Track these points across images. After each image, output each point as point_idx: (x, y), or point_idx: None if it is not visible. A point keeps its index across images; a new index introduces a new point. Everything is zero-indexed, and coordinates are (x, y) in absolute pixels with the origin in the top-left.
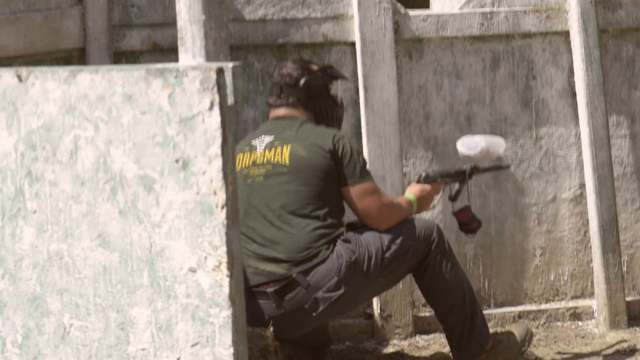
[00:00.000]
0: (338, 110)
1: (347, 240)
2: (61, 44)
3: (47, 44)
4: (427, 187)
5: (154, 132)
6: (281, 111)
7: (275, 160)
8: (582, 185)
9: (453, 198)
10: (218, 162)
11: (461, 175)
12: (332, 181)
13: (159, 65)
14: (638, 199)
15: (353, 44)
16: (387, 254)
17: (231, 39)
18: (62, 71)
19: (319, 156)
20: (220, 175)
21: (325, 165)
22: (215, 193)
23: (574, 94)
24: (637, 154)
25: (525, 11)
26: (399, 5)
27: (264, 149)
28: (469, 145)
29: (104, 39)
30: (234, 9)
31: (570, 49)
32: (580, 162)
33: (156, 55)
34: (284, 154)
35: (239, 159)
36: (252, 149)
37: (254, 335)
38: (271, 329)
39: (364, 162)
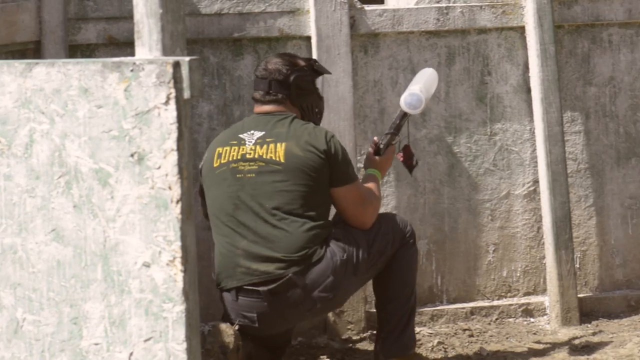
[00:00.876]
0: (322, 105)
1: (337, 239)
2: (17, 37)
3: (3, 37)
4: (383, 157)
5: (109, 126)
6: (269, 107)
7: (269, 156)
8: (536, 182)
9: (403, 150)
10: (173, 157)
11: (401, 127)
12: (324, 181)
13: (116, 59)
14: (591, 196)
15: (309, 39)
16: (373, 249)
17: (187, 33)
18: (18, 64)
19: (314, 155)
20: (176, 170)
21: (319, 165)
22: (170, 188)
23: (528, 90)
24: (591, 151)
25: (481, 6)
26: (355, 0)
27: (254, 144)
28: (415, 105)
29: (60, 32)
30: (189, 2)
31: (526, 44)
32: (534, 158)
33: (112, 49)
34: (278, 152)
35: (225, 151)
36: (241, 142)
37: (217, 331)
38: (236, 326)
39: (351, 163)
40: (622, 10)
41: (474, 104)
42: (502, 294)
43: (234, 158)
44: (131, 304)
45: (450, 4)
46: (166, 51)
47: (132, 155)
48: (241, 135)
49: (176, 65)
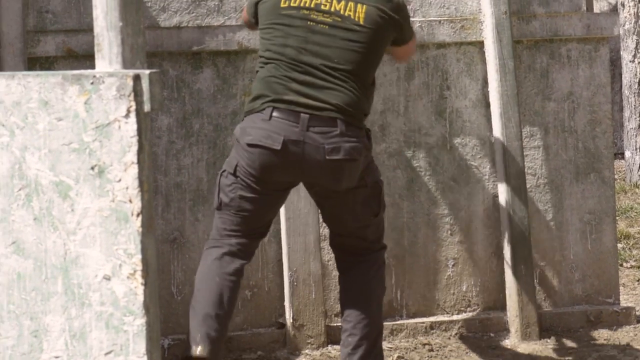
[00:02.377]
0: None
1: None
2: None
3: None
4: None
5: (69, 138)
6: None
7: (347, 14)
8: (495, 197)
9: None
10: (134, 170)
11: None
12: (388, 44)
13: (76, 72)
14: (551, 211)
15: None
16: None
17: (146, 46)
18: None
19: (390, 23)
20: (136, 183)
21: (392, 32)
22: (130, 201)
23: (488, 105)
24: (550, 166)
25: (440, 21)
26: None
27: None
28: None
29: (18, 44)
30: (149, 15)
31: (485, 59)
32: (493, 173)
33: (71, 62)
34: (359, 13)
35: None
36: None
37: (180, 346)
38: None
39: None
40: (580, 25)
41: (433, 119)
42: (462, 308)
43: (306, 5)
44: (92, 317)
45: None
46: (126, 64)
47: (92, 168)
48: None
49: (136, 78)
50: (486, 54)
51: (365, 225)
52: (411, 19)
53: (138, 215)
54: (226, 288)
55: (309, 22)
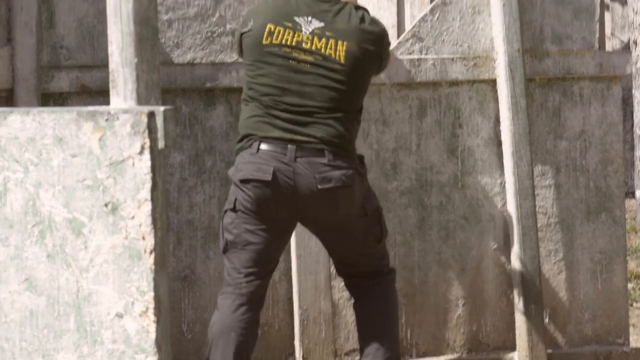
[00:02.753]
0: None
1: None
2: None
3: None
4: None
5: (83, 175)
6: None
7: (328, 52)
8: (506, 236)
9: None
10: (147, 207)
11: None
12: (373, 74)
13: (90, 108)
14: (561, 250)
15: None
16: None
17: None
18: None
19: (372, 60)
20: (149, 220)
21: (375, 63)
22: (143, 238)
23: (499, 143)
24: (562, 205)
25: (453, 59)
26: None
27: (310, 33)
28: None
29: (32, 80)
30: (162, 52)
31: (497, 97)
32: (504, 212)
33: (84, 98)
34: (339, 51)
35: (278, 31)
36: (296, 27)
37: None
38: None
39: None
40: (593, 64)
41: (445, 157)
42: (472, 348)
43: (288, 43)
44: (104, 355)
45: (422, 56)
46: (141, 100)
47: (106, 205)
48: (296, 19)
49: (151, 115)
50: (498, 92)
51: (370, 252)
52: (424, 56)
53: (151, 252)
54: (244, 344)
55: (290, 61)
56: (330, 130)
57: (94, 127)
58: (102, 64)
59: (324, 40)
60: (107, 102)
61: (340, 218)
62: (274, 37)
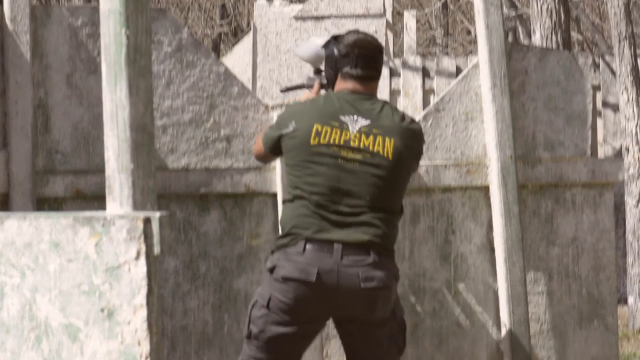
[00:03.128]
0: None
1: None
2: None
3: None
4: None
5: (80, 280)
6: (369, 86)
7: (376, 150)
8: (499, 342)
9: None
10: (143, 312)
11: (312, 80)
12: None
13: (87, 213)
14: (554, 357)
15: (275, 195)
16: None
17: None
18: None
19: (415, 155)
20: (145, 326)
21: (414, 166)
22: (139, 343)
23: (492, 249)
24: (554, 312)
25: (446, 165)
26: None
27: (358, 131)
28: (309, 48)
29: (28, 184)
30: (157, 157)
31: (490, 203)
32: (497, 319)
33: (79, 202)
34: (387, 147)
35: (326, 131)
36: (343, 126)
37: None
38: None
39: None
40: (585, 170)
41: (438, 263)
42: None
43: (336, 142)
44: None
45: None
46: (137, 206)
47: (102, 310)
48: (342, 118)
49: (147, 221)
50: (491, 199)
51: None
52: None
53: (147, 357)
54: None
55: (339, 160)
56: (376, 231)
57: (90, 232)
58: (98, 169)
59: (371, 137)
60: (103, 207)
61: (375, 319)
62: (322, 137)
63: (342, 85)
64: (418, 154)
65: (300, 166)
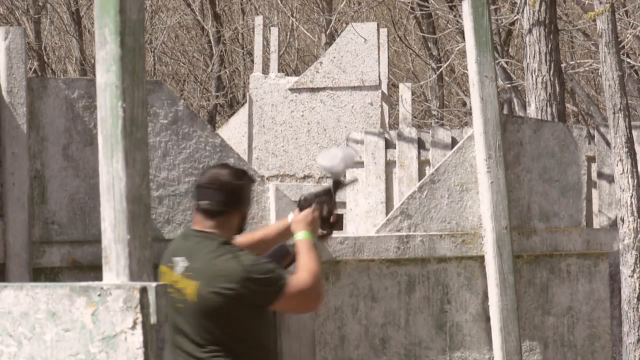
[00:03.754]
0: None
1: None
2: None
3: None
4: (309, 213)
5: (76, 349)
6: (210, 222)
7: (187, 291)
8: None
9: (329, 212)
10: None
11: (329, 192)
12: (244, 312)
13: (83, 284)
14: None
15: None
16: None
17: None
18: None
19: (231, 299)
20: None
21: (239, 306)
22: None
23: (488, 319)
24: None
25: (441, 235)
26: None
27: (180, 273)
28: (331, 158)
29: (24, 254)
30: (153, 227)
31: (485, 273)
32: None
33: (75, 273)
34: (192, 290)
35: (164, 273)
36: (173, 267)
37: None
38: None
39: (275, 272)
40: (580, 241)
41: (434, 332)
42: None
43: (169, 283)
44: None
45: (411, 233)
46: (133, 276)
47: None
48: (174, 259)
49: (143, 291)
50: (487, 268)
51: None
52: (412, 232)
53: None
54: None
55: (174, 301)
56: None
57: (87, 302)
58: (94, 239)
59: (185, 280)
60: (99, 277)
61: None
62: (163, 278)
63: (193, 219)
64: (234, 293)
65: None
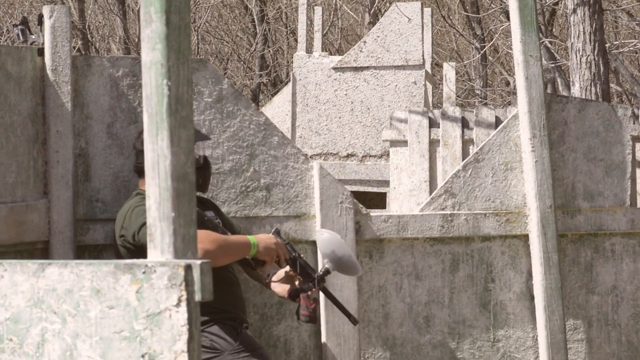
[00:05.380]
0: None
1: None
2: (25, 237)
3: (12, 236)
4: (277, 242)
5: (121, 326)
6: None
7: None
8: None
9: (304, 289)
10: (184, 358)
11: (311, 278)
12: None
13: (128, 261)
14: None
15: (314, 243)
16: None
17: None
18: (31, 264)
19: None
20: None
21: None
22: None
23: (532, 297)
24: (594, 359)
25: (485, 214)
26: (360, 205)
27: None
28: (340, 246)
29: (68, 232)
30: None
31: (529, 252)
32: None
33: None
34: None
35: None
36: None
37: None
38: None
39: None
40: (625, 220)
41: (478, 311)
42: None
43: None
44: None
45: (455, 212)
46: (178, 254)
47: (142, 356)
48: None
49: (188, 268)
50: (531, 247)
51: None
52: (457, 211)
53: None
54: None
55: None
56: None
57: (132, 279)
58: None
59: None
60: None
61: None
62: None
63: None
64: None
65: None
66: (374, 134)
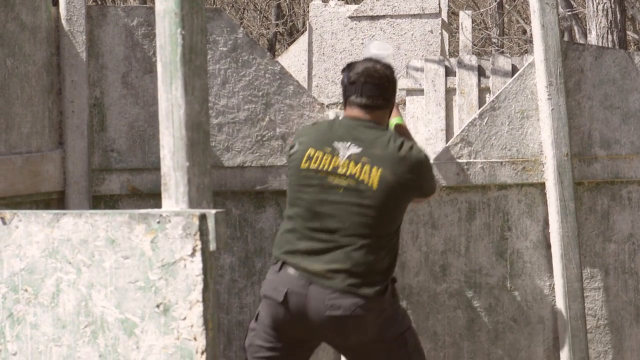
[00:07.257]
0: None
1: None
2: (41, 187)
3: (27, 187)
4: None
5: (135, 276)
6: (371, 115)
7: (362, 178)
8: (556, 337)
9: None
10: (199, 308)
11: None
12: (408, 203)
13: (142, 211)
14: (610, 352)
15: None
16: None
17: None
18: (46, 214)
19: (407, 188)
20: (201, 321)
21: (409, 195)
22: (195, 339)
23: (548, 246)
24: (611, 307)
25: (501, 162)
26: None
27: (347, 158)
28: (383, 48)
29: (84, 182)
30: (212, 155)
31: (546, 200)
32: (554, 314)
33: (135, 200)
34: (373, 177)
35: (317, 157)
36: (335, 152)
37: None
38: None
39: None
40: None
41: (494, 259)
42: None
43: (325, 168)
44: None
45: (471, 160)
46: (192, 203)
47: (157, 306)
48: (336, 145)
49: (202, 218)
50: (547, 196)
51: None
52: (473, 159)
53: (202, 353)
54: None
55: (324, 186)
56: (353, 258)
57: (146, 229)
58: (153, 167)
59: (359, 165)
60: (158, 205)
61: (352, 344)
62: (312, 162)
63: (348, 111)
64: (412, 183)
65: (291, 187)
66: None
